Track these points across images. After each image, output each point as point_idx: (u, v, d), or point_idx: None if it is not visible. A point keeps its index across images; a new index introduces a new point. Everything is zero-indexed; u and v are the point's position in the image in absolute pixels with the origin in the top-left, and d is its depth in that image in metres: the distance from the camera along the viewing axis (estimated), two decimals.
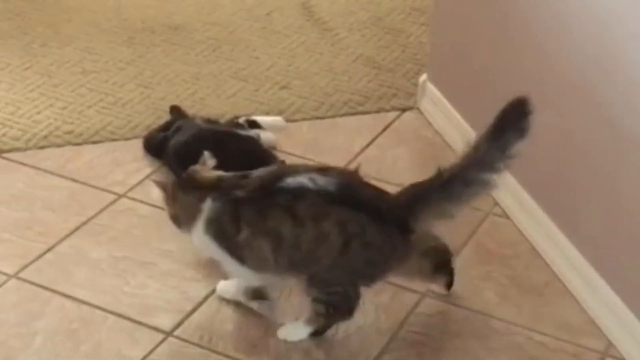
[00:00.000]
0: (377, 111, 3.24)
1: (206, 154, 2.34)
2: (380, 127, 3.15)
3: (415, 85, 3.29)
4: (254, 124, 2.92)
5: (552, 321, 2.43)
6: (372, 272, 2.22)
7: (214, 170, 2.31)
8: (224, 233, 2.23)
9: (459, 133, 3.01)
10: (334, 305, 2.25)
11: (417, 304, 2.46)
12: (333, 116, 3.21)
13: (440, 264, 2.40)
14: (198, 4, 3.86)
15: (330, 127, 3.15)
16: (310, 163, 2.28)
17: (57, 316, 2.38)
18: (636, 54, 2.23)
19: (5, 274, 2.50)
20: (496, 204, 2.81)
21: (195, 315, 2.40)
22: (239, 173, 2.25)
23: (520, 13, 2.67)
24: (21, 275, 2.50)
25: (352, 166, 2.85)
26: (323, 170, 2.17)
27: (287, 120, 3.16)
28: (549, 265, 2.59)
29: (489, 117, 2.87)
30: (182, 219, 2.30)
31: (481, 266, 2.59)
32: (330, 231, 2.13)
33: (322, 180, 2.12)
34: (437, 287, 2.44)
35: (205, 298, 2.44)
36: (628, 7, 2.25)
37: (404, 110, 3.24)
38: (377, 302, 2.45)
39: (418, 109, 3.23)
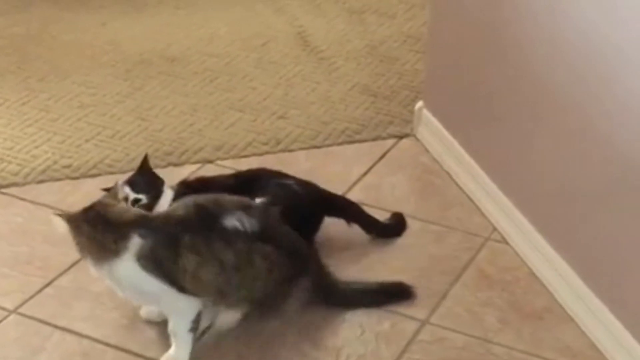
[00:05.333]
0: (374, 139, 3.25)
1: (119, 183, 2.43)
2: (377, 155, 3.16)
3: (412, 112, 3.30)
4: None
5: (553, 346, 2.43)
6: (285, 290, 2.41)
7: (126, 206, 2.37)
8: (163, 266, 2.27)
9: (456, 159, 3.02)
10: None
11: (417, 332, 2.45)
12: (330, 145, 3.22)
13: None
14: (194, 36, 3.87)
15: (328, 156, 3.16)
16: (231, 198, 2.39)
17: (58, 351, 2.38)
18: (629, 77, 2.24)
19: (5, 309, 2.50)
20: (495, 229, 2.81)
21: (195, 346, 2.39)
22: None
23: (514, 39, 2.69)
24: (21, 310, 2.50)
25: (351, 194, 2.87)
26: (246, 208, 2.37)
27: (285, 149, 3.17)
28: (549, 290, 2.59)
29: (485, 143, 2.90)
30: (92, 254, 2.28)
31: (481, 292, 2.59)
32: (258, 262, 2.34)
33: (248, 222, 2.33)
34: None
35: (206, 329, 2.44)
36: (623, 33, 2.26)
37: (401, 137, 3.25)
38: (377, 331, 2.45)
39: (415, 136, 3.24)
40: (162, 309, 2.40)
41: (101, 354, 2.38)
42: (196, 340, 2.36)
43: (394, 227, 2.80)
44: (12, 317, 2.49)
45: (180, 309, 2.33)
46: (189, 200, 2.39)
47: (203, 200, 2.38)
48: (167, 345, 2.38)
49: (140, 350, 2.38)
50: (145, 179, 2.59)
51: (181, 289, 2.29)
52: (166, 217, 2.36)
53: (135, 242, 2.24)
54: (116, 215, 2.28)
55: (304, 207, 2.66)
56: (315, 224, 2.69)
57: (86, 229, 2.26)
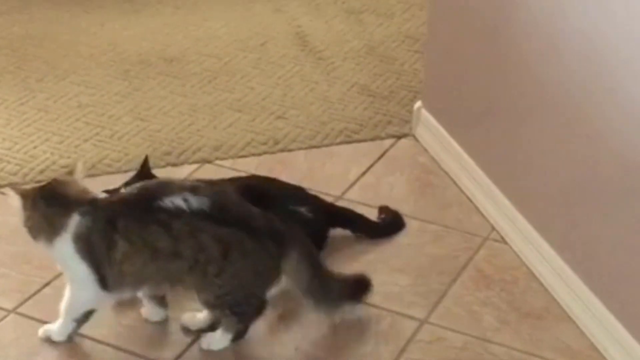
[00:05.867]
0: (373, 139, 3.25)
1: (79, 164, 2.39)
2: (376, 155, 3.16)
3: (410, 112, 3.30)
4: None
5: (552, 345, 2.43)
6: (260, 279, 2.31)
7: (81, 184, 2.35)
8: (92, 249, 2.27)
9: (454, 159, 3.02)
10: (237, 312, 2.33)
11: (416, 332, 2.46)
12: (329, 145, 3.22)
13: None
14: (193, 36, 3.88)
15: (327, 156, 3.16)
16: (181, 181, 2.34)
17: (56, 351, 2.38)
18: (629, 79, 2.25)
19: (4, 309, 2.50)
20: (494, 229, 2.81)
21: (195, 347, 2.40)
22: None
23: (513, 40, 2.69)
24: (20, 310, 2.50)
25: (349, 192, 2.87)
26: (194, 188, 2.26)
27: (284, 149, 3.18)
28: (548, 289, 2.59)
29: (484, 143, 2.90)
30: (40, 230, 2.30)
31: (480, 292, 2.59)
32: (208, 243, 2.23)
33: (195, 201, 2.23)
34: None
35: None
36: (620, 35, 2.26)
37: (399, 137, 3.25)
38: (376, 331, 2.45)
39: (413, 136, 3.25)
40: (68, 288, 2.36)
41: (101, 354, 2.38)
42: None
43: (395, 223, 2.80)
44: (11, 317, 2.49)
45: (78, 298, 2.33)
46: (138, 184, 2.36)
47: (150, 183, 2.35)
48: (167, 346, 2.39)
49: (140, 351, 2.38)
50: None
51: (102, 279, 2.28)
52: (110, 199, 2.34)
53: (75, 220, 2.25)
54: (66, 192, 2.30)
55: (314, 233, 2.64)
56: (321, 243, 2.68)
57: (41, 205, 2.29)
